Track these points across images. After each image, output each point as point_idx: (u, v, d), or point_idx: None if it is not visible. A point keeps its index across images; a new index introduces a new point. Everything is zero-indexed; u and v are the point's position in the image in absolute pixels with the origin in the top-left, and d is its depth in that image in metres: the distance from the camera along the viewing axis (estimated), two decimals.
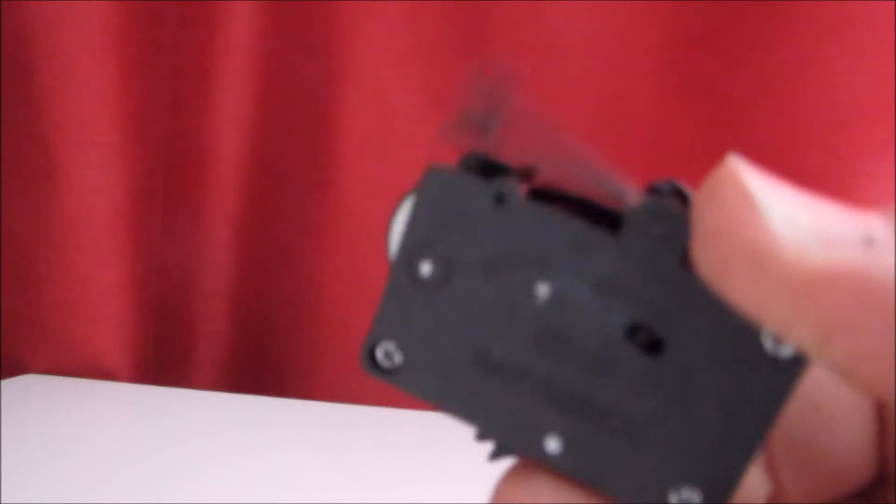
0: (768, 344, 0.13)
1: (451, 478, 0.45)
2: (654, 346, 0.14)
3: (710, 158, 0.13)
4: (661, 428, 0.14)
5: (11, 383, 0.64)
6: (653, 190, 0.14)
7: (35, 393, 0.63)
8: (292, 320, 0.71)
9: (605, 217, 0.14)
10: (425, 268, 0.14)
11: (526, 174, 0.15)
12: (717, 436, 0.14)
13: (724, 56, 0.62)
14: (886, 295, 0.11)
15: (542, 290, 0.14)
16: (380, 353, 0.15)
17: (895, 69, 0.55)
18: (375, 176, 0.68)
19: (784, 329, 0.12)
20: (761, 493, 0.17)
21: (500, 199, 0.14)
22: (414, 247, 0.14)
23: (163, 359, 0.72)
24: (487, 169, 0.14)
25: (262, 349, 0.73)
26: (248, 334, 0.73)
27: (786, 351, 0.13)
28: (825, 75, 0.58)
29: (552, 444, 0.14)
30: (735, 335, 0.14)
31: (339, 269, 0.69)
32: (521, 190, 0.14)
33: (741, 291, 0.12)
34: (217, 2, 0.69)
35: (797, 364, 0.13)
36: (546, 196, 0.14)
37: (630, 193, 0.14)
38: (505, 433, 0.15)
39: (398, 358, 0.15)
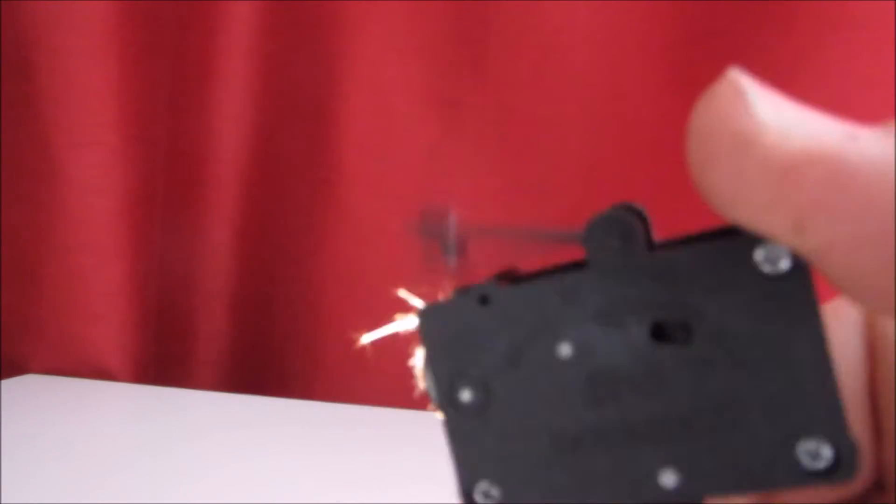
0: (766, 267, 0.13)
1: (451, 478, 0.45)
2: (683, 333, 0.14)
3: None
4: (740, 400, 0.14)
5: (11, 383, 0.64)
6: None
7: (35, 393, 0.63)
8: (292, 320, 0.71)
9: (570, 268, 0.15)
10: (465, 395, 0.15)
11: (498, 277, 0.15)
12: (790, 374, 0.13)
13: (724, 56, 0.62)
14: (861, 181, 0.11)
15: (564, 349, 0.14)
16: (479, 497, 0.15)
17: (895, 69, 0.55)
18: (375, 176, 0.68)
19: (763, 218, 0.12)
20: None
21: (483, 300, 0.15)
22: (446, 382, 0.15)
23: (163, 359, 0.72)
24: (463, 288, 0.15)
25: (262, 349, 0.73)
26: (248, 334, 0.73)
27: (783, 264, 0.13)
28: (825, 75, 0.58)
29: (667, 479, 0.14)
30: (735, 276, 0.13)
31: (339, 269, 0.69)
32: (495, 285, 0.15)
33: (726, 183, 0.12)
34: (217, 2, 0.69)
35: (800, 268, 0.13)
36: (514, 279, 0.15)
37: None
38: (622, 494, 0.14)
39: (496, 491, 0.15)
